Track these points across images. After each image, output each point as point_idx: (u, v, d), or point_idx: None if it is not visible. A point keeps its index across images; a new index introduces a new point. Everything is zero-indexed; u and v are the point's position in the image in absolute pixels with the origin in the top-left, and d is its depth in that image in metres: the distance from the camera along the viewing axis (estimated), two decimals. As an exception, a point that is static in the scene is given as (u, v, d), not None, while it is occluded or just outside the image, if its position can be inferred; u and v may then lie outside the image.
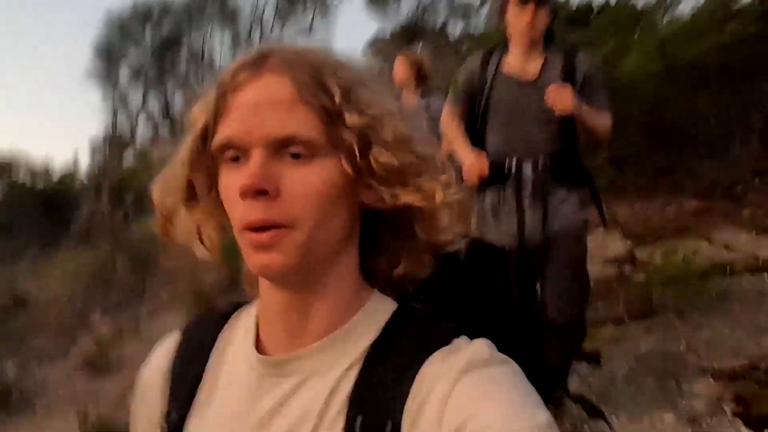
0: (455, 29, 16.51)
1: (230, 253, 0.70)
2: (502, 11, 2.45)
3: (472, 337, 0.64)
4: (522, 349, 0.69)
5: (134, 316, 5.90)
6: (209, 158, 0.65)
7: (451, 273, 0.72)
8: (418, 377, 0.59)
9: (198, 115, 0.66)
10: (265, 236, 0.59)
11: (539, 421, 0.53)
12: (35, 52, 47.48)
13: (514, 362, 0.61)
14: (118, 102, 17.47)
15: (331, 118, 0.61)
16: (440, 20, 16.74)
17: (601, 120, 2.35)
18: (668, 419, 2.66)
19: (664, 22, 7.94)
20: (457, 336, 0.63)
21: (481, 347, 0.61)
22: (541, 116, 2.33)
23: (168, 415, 0.70)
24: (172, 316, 5.57)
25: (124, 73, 16.81)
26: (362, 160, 0.61)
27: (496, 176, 2.40)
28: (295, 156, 0.60)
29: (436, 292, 0.70)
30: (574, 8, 9.54)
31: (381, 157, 0.62)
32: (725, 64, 6.10)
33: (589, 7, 9.35)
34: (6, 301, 6.83)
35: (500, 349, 0.62)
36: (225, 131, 0.61)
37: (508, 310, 0.75)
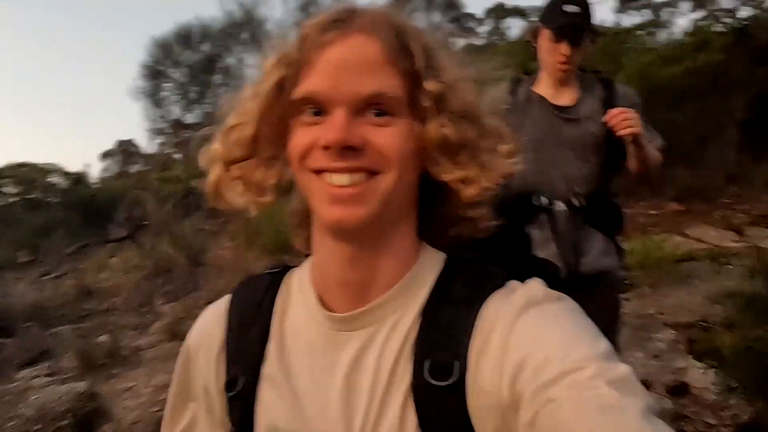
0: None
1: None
2: (532, 38, 2.11)
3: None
4: None
5: (194, 304, 6.58)
6: (280, 111, 0.64)
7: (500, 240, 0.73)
8: (479, 318, 0.60)
9: (272, 68, 0.65)
10: (348, 190, 0.59)
11: (600, 349, 0.54)
12: (83, 69, 49.38)
13: (569, 298, 0.62)
14: (158, 117, 18.56)
15: (413, 80, 0.62)
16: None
17: (655, 150, 2.05)
18: (639, 355, 3.67)
19: (647, 46, 9.06)
20: (509, 278, 0.65)
21: (537, 286, 0.62)
22: (579, 149, 2.03)
23: (232, 383, 0.68)
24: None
25: (165, 91, 17.92)
26: (429, 126, 0.63)
27: (521, 211, 2.02)
28: (378, 114, 0.61)
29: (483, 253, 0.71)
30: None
31: (443, 128, 0.63)
32: (697, 84, 7.16)
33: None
34: (75, 291, 7.82)
35: None
36: (310, 85, 0.61)
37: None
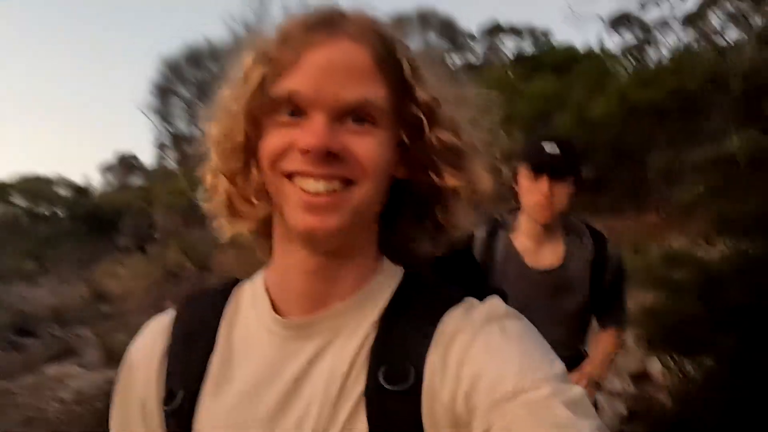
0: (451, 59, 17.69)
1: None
2: (513, 179, 1.86)
3: None
4: None
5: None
6: (258, 110, 0.62)
7: (457, 261, 0.74)
8: (437, 330, 0.60)
9: (253, 65, 0.62)
10: (323, 199, 0.58)
11: (556, 370, 0.54)
12: (90, 83, 50.34)
13: (525, 318, 0.63)
14: (165, 132, 19.08)
15: (400, 91, 0.61)
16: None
17: (611, 349, 1.94)
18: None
19: (630, 69, 9.69)
20: (468, 295, 0.64)
21: (498, 303, 0.63)
22: (560, 312, 1.83)
23: (170, 397, 0.66)
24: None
25: (174, 107, 18.47)
26: (422, 136, 0.62)
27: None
28: (358, 122, 0.59)
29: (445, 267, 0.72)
30: (560, 54, 11.21)
31: (443, 135, 0.62)
32: (679, 105, 7.73)
33: (573, 56, 11.01)
34: (90, 296, 8.28)
35: None
36: (292, 84, 0.58)
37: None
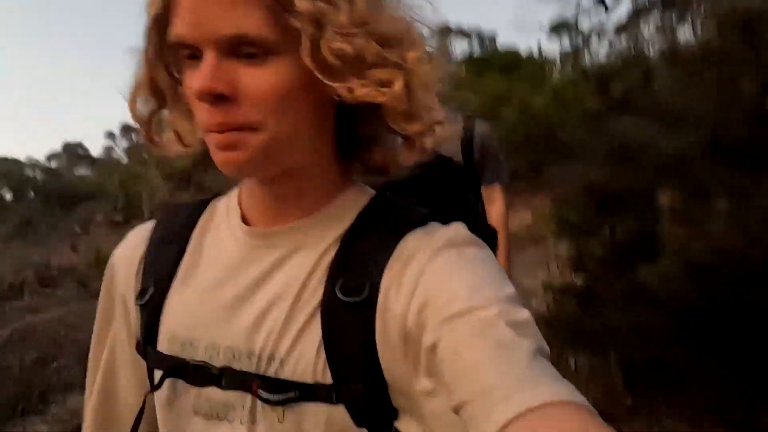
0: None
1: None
2: None
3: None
4: None
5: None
6: (168, 52, 0.60)
7: (420, 181, 0.76)
8: (397, 249, 0.62)
9: (149, 5, 0.59)
10: (227, 136, 0.57)
11: (506, 293, 0.56)
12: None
13: (486, 246, 0.64)
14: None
15: (281, 7, 0.55)
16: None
17: (501, 219, 2.32)
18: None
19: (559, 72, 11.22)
20: (433, 219, 0.66)
21: (459, 228, 0.64)
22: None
23: (143, 293, 0.70)
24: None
25: None
26: (317, 49, 0.56)
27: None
28: (250, 55, 0.56)
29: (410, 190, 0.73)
30: (506, 57, 12.67)
31: (333, 43, 0.56)
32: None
33: (517, 59, 12.47)
34: (93, 259, 9.11)
35: None
36: (175, 28, 0.56)
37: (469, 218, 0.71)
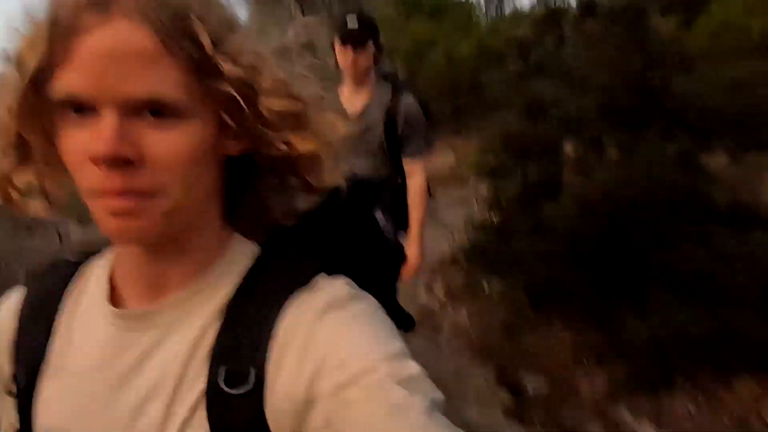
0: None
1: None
2: (332, 48, 2.49)
3: (339, 269, 0.63)
4: (386, 277, 0.69)
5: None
6: (43, 106, 0.54)
7: (330, 206, 0.70)
8: (278, 322, 0.57)
9: (26, 53, 0.53)
10: (125, 203, 0.52)
11: (393, 349, 0.54)
12: None
13: (371, 297, 0.62)
14: None
15: (202, 70, 0.52)
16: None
17: (418, 191, 2.54)
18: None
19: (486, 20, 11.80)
20: (318, 273, 0.62)
21: (340, 286, 0.61)
22: (366, 147, 2.45)
23: (15, 378, 0.64)
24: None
25: None
26: (245, 111, 0.55)
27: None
28: (158, 115, 0.52)
29: (313, 223, 0.68)
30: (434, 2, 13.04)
31: (271, 104, 0.56)
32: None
33: (445, 3, 12.88)
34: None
35: (366, 278, 0.63)
36: (69, 82, 0.51)
37: (378, 239, 0.70)
